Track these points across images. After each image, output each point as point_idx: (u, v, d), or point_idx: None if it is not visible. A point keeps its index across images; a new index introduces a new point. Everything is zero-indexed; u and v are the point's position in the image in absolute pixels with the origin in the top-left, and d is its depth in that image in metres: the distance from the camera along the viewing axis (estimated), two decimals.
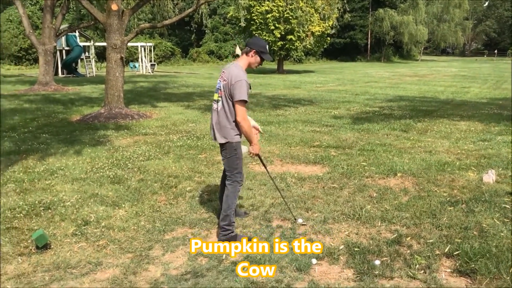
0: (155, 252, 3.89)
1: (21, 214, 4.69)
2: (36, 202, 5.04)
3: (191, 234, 4.24)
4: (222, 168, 6.38)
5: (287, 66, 40.80)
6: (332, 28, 33.30)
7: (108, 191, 5.45)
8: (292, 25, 31.11)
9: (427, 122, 10.55)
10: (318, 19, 31.97)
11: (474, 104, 14.22)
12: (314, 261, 3.67)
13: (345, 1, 18.10)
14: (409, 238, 4.09)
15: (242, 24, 22.25)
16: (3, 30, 36.36)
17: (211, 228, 4.40)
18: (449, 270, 3.54)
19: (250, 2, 30.39)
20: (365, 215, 4.64)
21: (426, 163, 6.69)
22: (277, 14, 30.86)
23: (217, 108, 4.05)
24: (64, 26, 24.89)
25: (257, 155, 4.23)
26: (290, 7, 29.96)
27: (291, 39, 31.93)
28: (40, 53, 19.16)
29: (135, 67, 35.32)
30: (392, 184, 5.74)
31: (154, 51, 40.28)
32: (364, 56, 62.01)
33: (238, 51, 19.08)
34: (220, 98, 4.01)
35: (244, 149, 4.65)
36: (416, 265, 3.59)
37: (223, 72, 4.07)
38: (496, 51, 77.66)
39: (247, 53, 4.07)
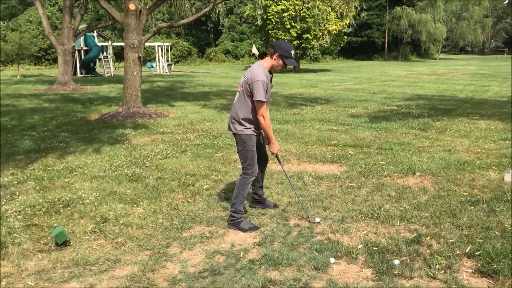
0: (173, 250, 3.90)
1: (40, 212, 4.75)
2: (56, 199, 5.10)
3: (208, 232, 4.24)
4: (239, 166, 6.41)
5: (303, 65, 40.69)
6: (349, 27, 33.16)
7: (126, 189, 5.49)
8: (309, 23, 31.03)
9: (446, 121, 10.41)
10: (335, 18, 31.83)
11: (494, 103, 13.99)
12: (332, 260, 3.64)
13: (362, 0, 17.99)
14: (428, 237, 4.04)
15: (259, 23, 22.29)
16: (23, 31, 36.93)
17: (234, 229, 4.39)
18: (470, 270, 3.48)
19: (266, 2, 30.38)
20: (384, 214, 4.59)
21: (445, 162, 6.59)
22: (293, 13, 30.80)
23: (235, 100, 4.37)
24: (83, 26, 25.21)
25: (275, 154, 4.41)
26: (307, 5, 29.87)
27: (307, 37, 31.86)
28: (59, 53, 19.42)
29: (152, 66, 35.59)
30: (411, 183, 5.68)
31: (171, 51, 40.53)
32: (381, 54, 61.54)
33: (254, 50, 19.12)
34: (238, 92, 4.30)
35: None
36: (436, 265, 3.53)
37: (248, 69, 4.27)
38: None
39: (271, 55, 4.21)
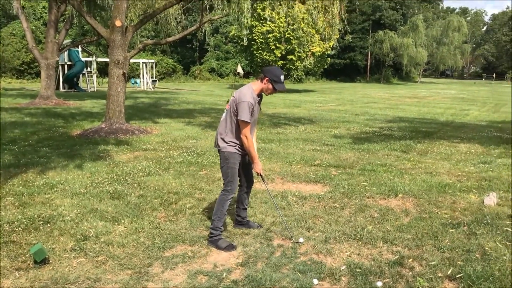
0: (155, 269, 3.84)
1: (19, 228, 4.65)
2: (35, 216, 5.00)
3: (191, 252, 4.20)
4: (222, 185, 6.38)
5: (287, 85, 40.96)
6: (332, 49, 33.62)
7: (108, 206, 5.42)
8: (293, 45, 31.40)
9: (427, 144, 10.56)
10: (318, 40, 32.28)
11: (474, 127, 14.26)
12: (315, 281, 3.63)
13: (346, 23, 18.27)
14: (411, 259, 4.06)
15: (245, 43, 22.45)
16: (6, 44, 36.59)
17: (211, 246, 4.35)
18: None
19: (252, 22, 30.70)
20: (367, 236, 4.61)
21: (427, 184, 6.67)
22: (278, 34, 31.16)
23: (222, 118, 4.48)
24: (67, 41, 25.11)
25: (259, 174, 4.46)
26: (292, 27, 30.26)
27: (291, 59, 32.20)
28: (43, 67, 19.27)
29: (137, 83, 35.49)
30: (393, 204, 5.72)
31: (155, 67, 40.51)
32: (364, 77, 62.41)
33: (239, 69, 19.19)
34: (226, 110, 4.39)
35: None
36: (418, 287, 3.55)
37: (238, 89, 4.40)
38: (494, 75, 78.37)
39: (261, 80, 4.31)
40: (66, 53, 27.23)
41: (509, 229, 4.78)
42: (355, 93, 33.83)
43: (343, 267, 3.89)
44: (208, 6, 14.84)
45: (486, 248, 4.28)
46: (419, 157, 8.90)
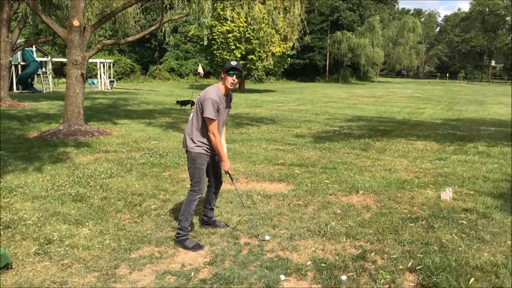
0: (122, 271, 3.83)
1: None
2: None
3: (158, 253, 4.20)
4: (187, 185, 6.38)
5: (248, 85, 41.17)
6: (292, 49, 33.97)
7: (71, 209, 5.33)
8: (253, 45, 31.53)
9: (385, 142, 10.87)
10: (278, 40, 32.55)
11: (430, 125, 14.76)
12: (282, 277, 3.71)
13: (305, 23, 18.52)
14: (373, 253, 4.20)
15: (205, 43, 22.39)
16: None
17: (178, 246, 4.36)
18: (413, 284, 3.66)
19: (212, 22, 30.64)
20: (330, 232, 4.73)
21: (386, 181, 6.89)
22: (238, 34, 31.23)
23: (189, 118, 4.51)
24: (21, 40, 24.31)
25: (227, 172, 4.49)
26: (252, 27, 30.39)
27: (252, 58, 32.33)
28: None
29: (94, 83, 34.75)
30: (354, 201, 5.88)
31: (113, 67, 39.79)
32: (323, 77, 63.34)
33: (200, 69, 19.16)
34: (193, 110, 4.45)
35: None
36: (381, 279, 3.68)
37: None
38: (447, 74, 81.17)
39: (221, 78, 4.42)
40: (19, 53, 26.37)
41: (464, 222, 5.02)
42: (315, 93, 34.33)
43: (309, 263, 3.99)
44: (168, 5, 14.73)
45: (443, 240, 4.48)
46: (378, 155, 9.16)
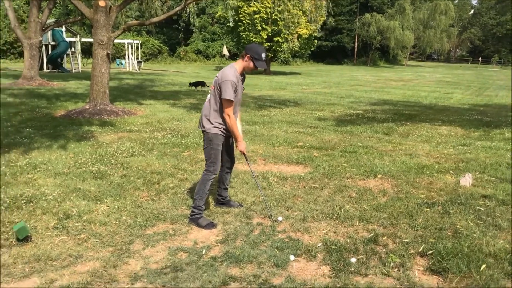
0: (136, 247, 3.93)
1: (2, 207, 4.69)
2: (18, 195, 5.04)
3: (172, 230, 4.29)
4: None
5: (274, 67, 40.96)
6: (319, 31, 33.55)
7: (91, 186, 5.48)
8: (280, 26, 31.27)
9: (409, 126, 10.72)
10: (305, 22, 32.18)
11: (456, 110, 14.47)
12: (292, 257, 3.75)
13: (331, 5, 18.26)
14: (385, 237, 4.20)
15: (231, 24, 22.33)
16: None
17: (192, 224, 4.45)
18: (422, 268, 3.65)
19: (239, 3, 30.48)
20: (344, 215, 4.74)
21: (406, 165, 6.82)
22: (265, 16, 31.00)
23: (207, 99, 4.50)
24: (51, 20, 24.71)
25: (243, 152, 4.52)
26: (278, 8, 30.12)
27: (278, 40, 32.08)
28: (26, 47, 19.00)
29: (122, 64, 35.16)
30: (371, 185, 5.86)
31: (141, 48, 40.13)
32: (351, 59, 62.50)
33: (225, 51, 19.19)
34: (210, 91, 4.46)
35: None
36: (390, 263, 3.69)
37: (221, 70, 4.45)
38: (480, 59, 78.99)
39: (242, 57, 4.33)
40: (49, 33, 26.86)
41: (482, 208, 4.95)
42: (342, 75, 33.95)
43: (319, 244, 4.02)
44: None
45: (458, 226, 4.44)
46: (400, 139, 9.06)
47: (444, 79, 32.76)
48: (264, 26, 31.44)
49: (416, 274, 3.56)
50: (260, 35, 31.50)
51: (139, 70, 32.43)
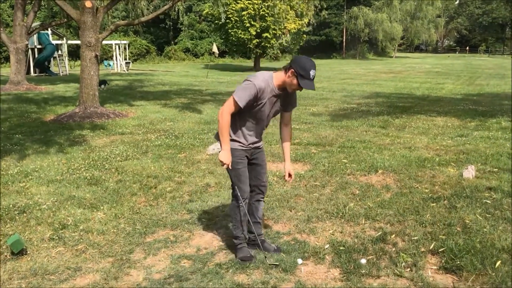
0: (136, 256, 3.77)
1: None
2: (10, 205, 4.86)
3: (173, 236, 4.14)
4: (202, 167, 6.31)
5: (263, 63, 40.78)
6: (308, 26, 33.42)
7: (86, 193, 5.30)
8: (268, 22, 31.07)
9: (405, 118, 10.63)
10: (294, 17, 32.03)
11: (450, 100, 14.41)
12: (300, 261, 3.61)
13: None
14: (393, 235, 4.07)
15: (222, 21, 22.08)
16: None
17: (193, 229, 4.30)
18: (435, 267, 3.53)
19: (226, 0, 30.23)
20: (349, 213, 4.61)
21: (406, 159, 6.71)
22: (253, 12, 30.77)
23: None
24: (36, 24, 24.31)
25: (224, 164, 3.50)
26: (266, 4, 29.93)
27: (266, 36, 31.89)
28: (11, 52, 18.66)
29: (110, 65, 34.78)
30: (373, 181, 5.74)
31: (129, 49, 39.75)
32: (340, 53, 62.46)
33: (215, 49, 18.98)
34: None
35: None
36: (402, 263, 3.56)
37: None
38: (467, 48, 79.29)
39: (286, 70, 3.43)
40: (35, 36, 26.43)
41: (488, 201, 4.84)
42: (332, 69, 33.86)
43: (327, 246, 3.89)
44: None
45: (467, 221, 4.33)
46: (398, 132, 8.95)
47: (434, 70, 32.79)
48: (252, 22, 31.23)
49: (430, 273, 3.44)
50: (249, 31, 31.28)
51: (127, 70, 32.09)
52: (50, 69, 28.47)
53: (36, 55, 27.54)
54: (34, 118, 11.06)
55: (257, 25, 31.31)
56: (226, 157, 3.46)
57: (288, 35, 32.31)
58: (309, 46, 56.90)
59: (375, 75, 27.81)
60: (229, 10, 30.70)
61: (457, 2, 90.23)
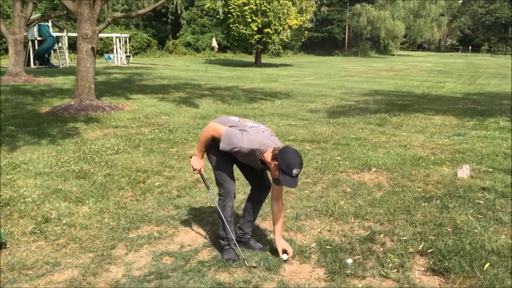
0: (118, 252, 3.69)
1: None
2: None
3: (157, 232, 4.05)
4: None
5: (265, 59, 40.63)
6: (310, 22, 33.23)
7: (72, 186, 5.21)
8: (269, 18, 30.92)
9: (403, 116, 10.52)
10: (295, 12, 31.86)
11: (449, 99, 14.30)
12: (285, 256, 3.52)
13: None
14: (382, 235, 3.99)
15: (221, 15, 21.95)
16: None
17: (178, 225, 4.21)
18: (423, 268, 3.44)
19: None
20: (338, 211, 4.52)
21: (400, 157, 6.61)
22: (254, 7, 30.62)
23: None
24: (36, 15, 24.20)
25: (195, 170, 3.63)
26: None
27: (268, 32, 31.75)
28: (10, 43, 18.54)
29: (110, 58, 34.65)
30: (366, 179, 5.64)
31: (129, 42, 39.60)
32: (342, 50, 62.24)
33: (214, 43, 18.87)
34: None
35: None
36: (389, 263, 3.48)
37: (257, 124, 3.51)
38: (470, 47, 78.89)
39: (272, 159, 3.22)
40: (35, 28, 26.30)
41: (481, 202, 4.75)
42: (333, 66, 33.71)
43: (313, 245, 3.80)
44: None
45: (458, 221, 4.24)
46: (394, 130, 8.85)
47: (436, 68, 32.62)
48: (253, 17, 31.08)
49: (417, 275, 3.35)
50: (250, 27, 31.14)
51: (127, 64, 31.97)
52: (50, 61, 28.36)
53: (36, 47, 27.42)
54: (29, 110, 10.97)
55: (259, 20, 31.16)
56: (196, 163, 3.59)
57: (288, 30, 32.12)
58: (311, 43, 56.75)
59: (376, 72, 27.67)
60: (231, 4, 30.56)
61: (460, 1, 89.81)
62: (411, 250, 3.70)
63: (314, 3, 19.59)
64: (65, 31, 29.55)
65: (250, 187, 3.80)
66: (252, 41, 32.04)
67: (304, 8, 29.58)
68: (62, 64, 28.74)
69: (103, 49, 39.06)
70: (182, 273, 3.33)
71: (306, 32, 36.96)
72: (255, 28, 31.22)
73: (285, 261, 3.47)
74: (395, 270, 3.41)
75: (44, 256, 3.59)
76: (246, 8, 30.61)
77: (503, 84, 20.37)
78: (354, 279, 3.28)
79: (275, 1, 22.86)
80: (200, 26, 51.59)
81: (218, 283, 3.20)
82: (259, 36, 31.80)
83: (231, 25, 31.79)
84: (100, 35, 24.55)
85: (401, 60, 48.80)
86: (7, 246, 3.73)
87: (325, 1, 20.14)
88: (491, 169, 6.00)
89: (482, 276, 3.24)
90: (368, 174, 5.83)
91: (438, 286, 3.20)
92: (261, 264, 3.46)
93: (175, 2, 15.34)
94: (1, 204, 4.61)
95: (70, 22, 36.80)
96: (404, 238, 3.91)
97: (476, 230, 4.02)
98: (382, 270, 3.38)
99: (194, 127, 8.85)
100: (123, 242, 3.86)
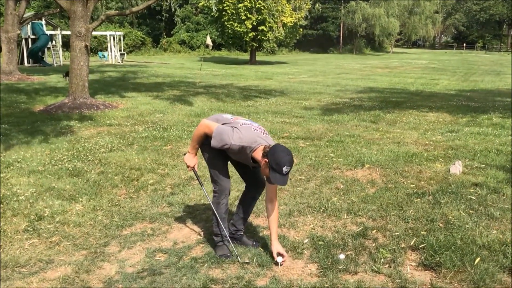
0: (111, 249, 3.70)
1: None
2: None
3: (150, 230, 4.06)
4: None
5: (260, 57, 40.59)
6: (304, 19, 33.23)
7: (66, 184, 5.21)
8: (264, 15, 30.89)
9: (397, 113, 10.56)
10: (290, 10, 31.84)
11: (443, 96, 14.35)
12: (280, 259, 3.52)
13: None
14: (374, 231, 4.01)
15: (214, 12, 21.91)
16: None
17: (172, 222, 4.22)
18: (414, 263, 3.47)
19: None
20: (331, 208, 4.54)
21: (394, 154, 6.64)
22: (249, 4, 30.58)
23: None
24: (30, 13, 24.10)
25: (188, 166, 3.69)
26: None
27: (262, 29, 31.72)
28: (3, 41, 18.46)
29: (104, 56, 34.52)
30: (359, 175, 5.67)
31: (124, 40, 39.48)
32: (337, 48, 62.25)
33: (209, 41, 18.79)
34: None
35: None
36: (381, 259, 3.50)
37: (250, 122, 3.53)
38: (464, 44, 79.20)
39: (262, 157, 3.24)
40: (29, 27, 26.19)
41: (473, 197, 4.79)
42: (328, 64, 33.73)
43: (306, 240, 3.82)
44: None
45: (450, 217, 4.27)
46: (388, 127, 8.88)
47: (430, 65, 32.71)
48: (248, 15, 31.04)
49: (408, 270, 3.38)
50: (245, 24, 31.10)
51: (122, 62, 31.88)
52: (44, 59, 28.24)
53: (30, 45, 27.30)
54: (23, 109, 10.93)
55: (253, 18, 31.13)
56: (190, 160, 3.64)
57: (281, 27, 32.07)
58: (306, 40, 56.71)
59: (371, 70, 27.71)
60: (225, 2, 30.50)
61: None
62: (403, 245, 3.73)
63: (308, 0, 19.57)
64: (58, 29, 29.44)
65: (244, 184, 3.82)
66: (247, 39, 31.99)
67: (298, 5, 29.54)
68: (56, 63, 28.62)
69: (97, 47, 38.91)
70: (175, 270, 3.35)
71: (301, 29, 36.95)
72: (250, 26, 31.19)
73: (279, 264, 3.45)
74: (387, 265, 3.43)
75: (37, 253, 3.59)
76: (240, 5, 30.56)
77: (496, 81, 20.46)
78: (346, 275, 3.30)
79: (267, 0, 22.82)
80: (194, 23, 51.47)
81: (211, 279, 3.22)
82: (254, 34, 31.77)
83: (226, 23, 31.73)
84: (94, 33, 24.51)
85: (396, 57, 48.90)
86: (0, 244, 3.73)
87: None
88: (484, 165, 6.04)
89: (472, 271, 3.27)
90: (361, 171, 5.86)
91: (430, 281, 3.23)
92: (254, 260, 3.48)
93: (168, 0, 15.28)
94: None
95: (63, 20, 36.63)
96: (396, 233, 3.93)
97: (467, 226, 4.05)
98: (374, 265, 3.40)
99: (188, 125, 8.85)
100: (116, 239, 3.86)
